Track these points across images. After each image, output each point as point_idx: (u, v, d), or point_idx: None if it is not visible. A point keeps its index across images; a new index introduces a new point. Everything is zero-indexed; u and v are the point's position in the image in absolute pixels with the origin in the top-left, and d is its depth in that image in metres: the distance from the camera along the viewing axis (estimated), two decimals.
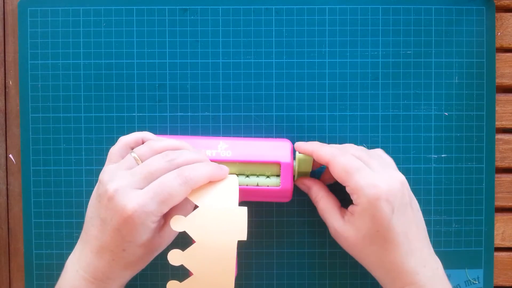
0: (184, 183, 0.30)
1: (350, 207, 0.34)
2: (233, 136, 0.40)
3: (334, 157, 0.34)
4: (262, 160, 0.36)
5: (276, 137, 0.41)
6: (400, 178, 0.33)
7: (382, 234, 0.32)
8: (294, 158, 0.38)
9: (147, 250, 0.32)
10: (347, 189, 0.33)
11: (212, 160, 0.34)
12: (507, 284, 0.43)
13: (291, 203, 0.41)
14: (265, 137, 0.41)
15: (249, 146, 0.37)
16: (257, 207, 0.41)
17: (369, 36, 0.41)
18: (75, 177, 0.41)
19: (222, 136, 0.41)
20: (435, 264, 0.34)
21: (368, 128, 0.41)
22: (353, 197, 0.33)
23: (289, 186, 0.36)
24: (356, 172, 0.32)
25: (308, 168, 0.38)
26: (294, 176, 0.38)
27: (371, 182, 0.32)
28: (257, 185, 0.36)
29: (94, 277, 0.31)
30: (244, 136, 0.41)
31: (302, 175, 0.39)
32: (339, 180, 0.34)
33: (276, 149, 0.37)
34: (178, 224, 0.30)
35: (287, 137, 0.41)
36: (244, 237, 0.30)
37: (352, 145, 0.37)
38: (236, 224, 0.30)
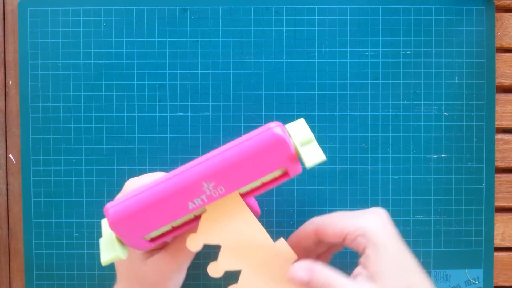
0: None
1: (360, 264, 0.28)
2: (206, 153, 0.29)
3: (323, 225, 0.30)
4: (264, 175, 0.29)
5: None
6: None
7: (408, 259, 0.28)
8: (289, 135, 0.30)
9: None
10: (348, 238, 0.29)
11: (205, 205, 0.29)
12: (507, 284, 0.43)
13: (291, 202, 0.41)
14: None
15: (238, 166, 0.28)
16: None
17: (369, 36, 0.41)
18: (75, 177, 0.41)
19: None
20: None
21: (368, 128, 0.41)
22: (356, 243, 0.28)
23: (299, 170, 0.30)
24: (347, 216, 0.30)
25: (308, 134, 0.30)
26: (297, 151, 0.29)
27: (367, 214, 0.29)
28: (261, 183, 0.31)
29: None
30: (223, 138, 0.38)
31: (305, 143, 0.30)
32: (334, 238, 0.29)
33: (270, 148, 0.28)
34: None
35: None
36: (294, 257, 0.29)
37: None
38: (281, 255, 0.29)
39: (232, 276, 0.30)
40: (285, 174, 0.30)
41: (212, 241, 0.29)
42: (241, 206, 0.29)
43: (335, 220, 0.30)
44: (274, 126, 0.28)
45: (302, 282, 0.28)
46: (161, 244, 0.32)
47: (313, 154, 0.29)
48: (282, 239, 0.30)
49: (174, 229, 0.30)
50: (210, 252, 0.30)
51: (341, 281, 0.27)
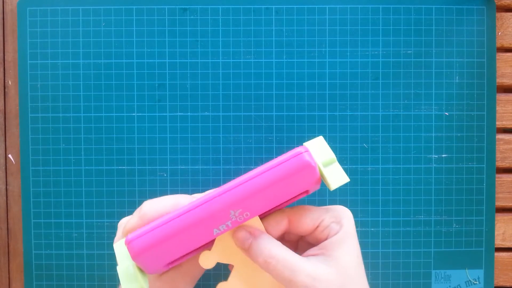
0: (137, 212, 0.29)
1: (319, 246, 0.28)
2: (233, 180, 0.29)
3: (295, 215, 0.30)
4: (288, 198, 0.29)
5: (276, 137, 0.41)
6: None
7: (359, 259, 0.28)
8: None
9: None
10: (322, 225, 0.29)
11: (229, 229, 0.29)
12: (507, 284, 0.43)
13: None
14: (266, 136, 0.41)
15: (266, 192, 0.28)
16: None
17: (370, 36, 0.41)
18: (74, 177, 0.41)
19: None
20: None
21: (368, 128, 0.41)
22: (329, 229, 0.29)
23: (318, 187, 0.30)
24: (318, 208, 0.30)
25: (330, 154, 0.30)
26: (320, 173, 0.29)
27: (341, 209, 0.30)
28: (281, 203, 0.30)
29: None
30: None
31: (327, 164, 0.30)
32: (307, 226, 0.29)
33: (298, 174, 0.28)
34: None
35: (287, 138, 0.41)
36: None
37: None
38: None
39: None
40: (305, 192, 0.30)
41: (225, 260, 0.29)
42: (259, 228, 0.29)
43: (311, 209, 0.30)
44: (303, 152, 0.28)
45: (243, 244, 0.28)
46: None
47: (337, 176, 0.29)
48: None
49: (194, 251, 0.30)
50: (221, 274, 0.30)
51: (292, 256, 0.27)
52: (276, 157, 0.29)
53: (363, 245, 0.41)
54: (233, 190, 0.28)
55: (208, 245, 0.29)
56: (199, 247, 0.29)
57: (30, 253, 0.41)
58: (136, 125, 0.41)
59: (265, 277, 0.29)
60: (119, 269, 0.29)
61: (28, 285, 0.41)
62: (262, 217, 0.30)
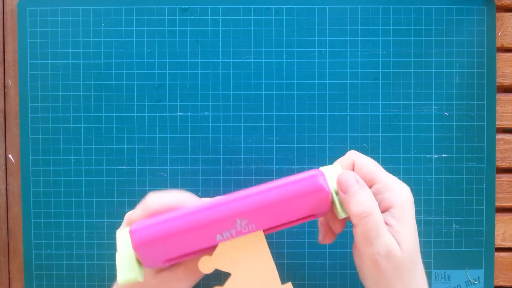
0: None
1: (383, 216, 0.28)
2: (244, 189, 0.29)
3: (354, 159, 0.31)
4: (295, 218, 0.29)
5: (276, 137, 0.41)
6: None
7: (417, 243, 0.29)
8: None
9: None
10: (374, 188, 0.29)
11: (232, 239, 0.29)
12: (507, 284, 0.42)
13: None
14: (266, 136, 0.41)
15: (274, 208, 0.28)
16: None
17: (370, 36, 0.41)
18: (74, 177, 0.41)
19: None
20: None
21: (368, 128, 0.41)
22: (382, 196, 0.29)
23: (326, 213, 0.30)
24: (382, 170, 0.30)
25: None
26: (332, 199, 0.29)
27: (399, 181, 0.30)
28: (288, 222, 0.30)
29: None
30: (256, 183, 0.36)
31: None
32: (364, 180, 0.29)
33: (309, 195, 0.28)
34: None
35: (287, 138, 0.41)
36: None
37: None
38: None
39: None
40: (312, 215, 0.30)
41: (224, 268, 0.29)
42: (262, 244, 0.29)
43: (373, 166, 0.30)
44: (318, 175, 0.28)
45: (351, 188, 0.28)
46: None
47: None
48: (289, 284, 0.29)
49: (194, 253, 0.30)
50: (221, 274, 0.31)
51: (382, 220, 0.28)
52: (287, 175, 0.29)
53: None
54: (243, 200, 0.28)
55: (209, 250, 0.29)
56: (200, 250, 0.29)
57: (30, 253, 0.41)
58: (136, 125, 0.41)
59: None
60: (118, 256, 0.29)
61: (28, 285, 0.41)
62: (266, 233, 0.30)
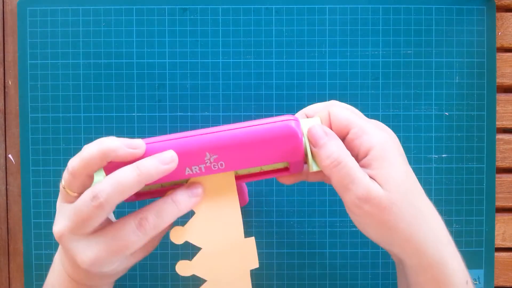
0: (144, 234, 0.27)
1: (363, 161, 0.28)
2: (217, 126, 0.29)
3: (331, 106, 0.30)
4: (266, 163, 0.29)
5: None
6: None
7: (413, 180, 0.29)
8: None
9: (120, 268, 0.29)
10: (351, 134, 0.28)
11: (201, 175, 0.28)
12: (507, 284, 0.42)
13: (291, 202, 0.41)
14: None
15: (245, 147, 0.28)
16: (257, 207, 0.41)
17: (370, 36, 0.41)
18: None
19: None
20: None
21: None
22: (360, 140, 0.28)
23: (300, 168, 0.30)
24: (358, 116, 0.30)
25: None
26: (305, 150, 0.29)
27: (380, 124, 0.30)
28: (260, 171, 0.30)
29: (76, 280, 0.29)
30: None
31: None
32: (340, 128, 0.29)
33: (281, 139, 0.28)
34: (183, 267, 0.29)
35: None
36: (256, 265, 0.29)
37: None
38: (245, 254, 0.29)
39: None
40: (286, 169, 0.30)
41: (194, 241, 0.29)
42: (232, 189, 0.29)
43: (347, 113, 0.29)
44: (291, 119, 0.28)
45: (319, 140, 0.28)
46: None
47: None
48: (252, 239, 0.30)
49: (162, 189, 0.30)
50: (178, 253, 0.30)
51: (356, 166, 0.27)
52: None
53: (363, 245, 0.41)
54: (213, 134, 0.28)
55: (177, 186, 0.29)
56: (169, 185, 0.29)
57: (30, 253, 0.41)
58: (136, 125, 0.41)
59: (225, 256, 0.29)
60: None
61: (28, 285, 0.41)
62: (238, 181, 0.30)
